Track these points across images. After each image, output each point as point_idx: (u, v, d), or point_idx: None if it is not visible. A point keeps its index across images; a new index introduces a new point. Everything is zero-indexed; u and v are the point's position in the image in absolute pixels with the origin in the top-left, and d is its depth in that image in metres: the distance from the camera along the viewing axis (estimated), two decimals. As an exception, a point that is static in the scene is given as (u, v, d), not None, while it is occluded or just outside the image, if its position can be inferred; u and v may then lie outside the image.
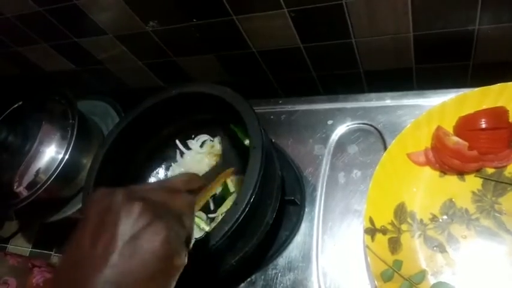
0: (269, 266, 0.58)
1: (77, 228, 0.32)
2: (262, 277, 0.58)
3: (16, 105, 0.79)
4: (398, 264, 0.48)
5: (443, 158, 0.51)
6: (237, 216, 0.46)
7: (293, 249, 0.58)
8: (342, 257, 0.55)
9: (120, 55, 0.74)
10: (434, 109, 0.54)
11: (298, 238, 0.59)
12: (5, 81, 0.91)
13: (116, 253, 0.29)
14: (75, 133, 0.70)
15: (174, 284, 0.33)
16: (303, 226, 0.59)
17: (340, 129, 0.63)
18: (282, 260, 0.58)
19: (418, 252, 0.49)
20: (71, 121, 0.72)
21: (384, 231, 0.50)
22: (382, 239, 0.50)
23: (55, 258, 0.86)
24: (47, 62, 0.83)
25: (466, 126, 0.52)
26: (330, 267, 0.55)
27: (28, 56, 0.82)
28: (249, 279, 0.58)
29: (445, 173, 0.52)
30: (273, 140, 0.65)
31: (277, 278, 0.57)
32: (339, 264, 0.55)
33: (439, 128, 0.52)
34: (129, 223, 0.30)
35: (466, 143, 0.50)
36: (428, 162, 0.53)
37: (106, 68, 0.80)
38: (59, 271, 0.32)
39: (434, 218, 0.50)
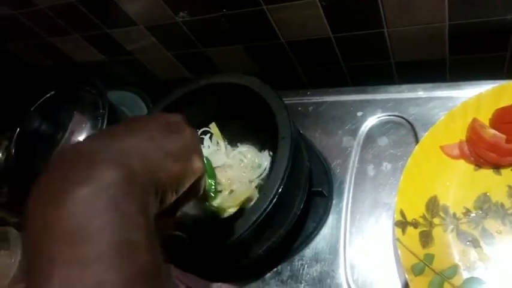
0: (295, 256, 0.58)
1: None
2: (289, 267, 0.58)
3: (48, 95, 0.81)
4: (429, 258, 0.47)
5: (479, 151, 0.49)
6: (265, 206, 0.46)
7: (320, 241, 0.58)
8: (370, 250, 0.54)
9: (149, 46, 0.75)
10: (470, 101, 0.52)
11: (326, 230, 0.58)
12: (38, 71, 0.94)
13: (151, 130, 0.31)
14: (105, 123, 0.72)
15: (187, 185, 0.33)
16: (330, 218, 0.59)
17: (370, 121, 0.62)
18: (308, 251, 0.58)
19: (450, 247, 0.48)
20: (101, 111, 0.73)
21: (415, 224, 0.49)
22: (413, 233, 0.49)
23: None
24: (78, 52, 0.84)
25: (503, 118, 0.50)
26: (358, 260, 0.54)
27: (60, 47, 0.84)
28: (275, 269, 0.58)
29: (480, 167, 0.50)
30: (301, 132, 0.65)
31: (303, 269, 0.57)
32: (367, 258, 0.54)
33: (475, 120, 0.51)
34: (160, 119, 0.33)
35: (504, 136, 0.48)
36: (462, 155, 0.51)
37: (135, 58, 0.81)
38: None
39: (468, 212, 0.49)
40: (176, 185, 0.31)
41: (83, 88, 0.79)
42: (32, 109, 0.80)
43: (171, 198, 0.31)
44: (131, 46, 0.78)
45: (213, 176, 0.60)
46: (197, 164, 0.34)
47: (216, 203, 0.58)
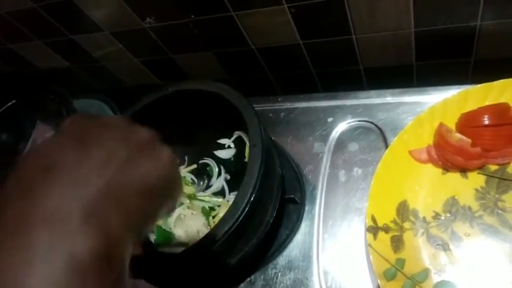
0: (269, 265, 0.57)
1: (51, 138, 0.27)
2: (262, 277, 0.57)
3: (9, 104, 0.78)
4: (401, 262, 0.47)
5: (446, 155, 0.50)
6: (237, 215, 0.45)
7: (293, 249, 0.57)
8: (343, 256, 0.54)
9: (116, 52, 0.73)
10: (436, 106, 0.53)
11: (299, 237, 0.58)
12: (-2, 79, 0.90)
13: (115, 162, 0.26)
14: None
15: (162, 215, 0.30)
16: (303, 225, 0.58)
17: (341, 127, 0.62)
18: (282, 259, 0.57)
19: (421, 251, 0.48)
20: (66, 119, 0.71)
21: (386, 229, 0.50)
22: (384, 238, 0.49)
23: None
24: (41, 59, 0.81)
25: (468, 122, 0.51)
26: (331, 267, 0.54)
27: (22, 54, 0.80)
28: (248, 279, 0.57)
29: (447, 170, 0.51)
30: (272, 138, 0.64)
31: (277, 278, 0.56)
32: (340, 264, 0.54)
33: (441, 125, 0.52)
34: (130, 140, 0.28)
35: (469, 140, 0.50)
36: (430, 160, 0.52)
37: (102, 65, 0.79)
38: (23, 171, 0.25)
39: (437, 216, 0.50)
40: (154, 219, 0.29)
41: (46, 96, 0.76)
42: (-9, 119, 0.77)
43: (147, 231, 0.29)
44: (97, 53, 0.75)
45: None
46: (178, 194, 0.31)
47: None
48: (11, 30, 0.72)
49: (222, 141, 0.64)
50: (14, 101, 0.78)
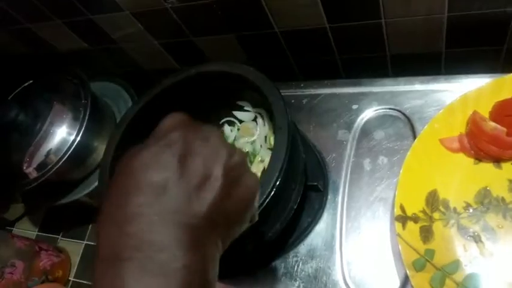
0: (290, 253, 0.56)
1: (145, 144, 0.27)
2: (283, 264, 0.56)
3: (26, 84, 0.77)
4: (430, 253, 0.46)
5: (480, 144, 0.48)
6: (262, 200, 0.44)
7: (315, 237, 0.56)
8: (367, 246, 0.53)
9: (135, 34, 0.71)
10: (469, 94, 0.51)
11: (321, 225, 0.57)
12: (16, 59, 0.89)
13: (218, 186, 0.26)
14: (87, 114, 0.68)
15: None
16: (326, 214, 0.57)
17: (366, 114, 0.60)
18: (303, 248, 0.56)
19: (451, 242, 0.47)
20: (83, 101, 0.70)
21: (415, 219, 0.48)
22: (413, 227, 0.48)
23: (62, 242, 0.84)
24: (59, 40, 0.80)
25: (503, 111, 0.49)
26: (355, 257, 0.53)
27: (40, 34, 0.79)
28: (269, 266, 0.56)
29: (480, 160, 0.50)
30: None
31: (298, 266, 0.55)
32: (364, 254, 0.52)
33: (475, 113, 0.50)
34: (229, 157, 0.28)
35: (505, 129, 0.48)
36: (462, 149, 0.50)
37: (120, 47, 0.77)
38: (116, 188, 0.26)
39: (468, 207, 0.48)
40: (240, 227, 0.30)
41: (64, 77, 0.75)
42: (8, 98, 0.76)
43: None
44: (116, 34, 0.74)
45: None
46: (255, 218, 0.32)
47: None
48: (30, 9, 0.71)
49: (242, 103, 0.62)
50: (31, 82, 0.77)
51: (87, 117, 0.68)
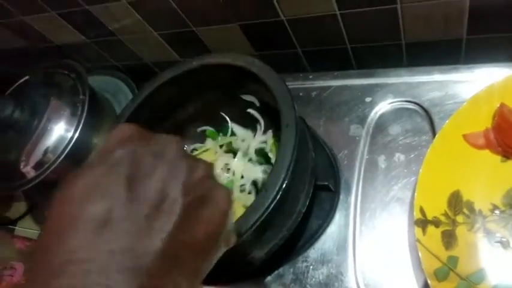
0: (299, 258, 0.52)
1: (87, 165, 0.22)
2: (292, 270, 0.52)
3: (22, 80, 0.74)
4: (453, 261, 0.42)
5: (507, 140, 0.44)
6: (267, 204, 0.40)
7: (326, 241, 0.52)
8: (383, 250, 0.49)
9: (134, 25, 0.68)
10: (496, 84, 0.47)
11: (332, 228, 0.53)
12: (10, 53, 0.86)
13: (176, 211, 0.21)
14: (85, 110, 0.65)
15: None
16: (338, 215, 0.53)
17: (381, 107, 0.56)
18: (313, 252, 0.52)
19: (476, 248, 0.43)
20: (81, 97, 0.67)
21: (436, 223, 0.44)
22: (434, 232, 0.43)
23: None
24: (55, 33, 0.77)
25: (534, 103, 0.45)
26: (369, 262, 0.49)
27: (35, 27, 0.76)
28: (276, 271, 0.52)
29: (508, 158, 0.45)
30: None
31: (308, 272, 0.51)
32: (380, 259, 0.49)
33: (503, 105, 0.45)
34: (190, 172, 0.23)
35: (536, 123, 0.43)
36: (488, 145, 0.46)
37: (119, 39, 0.74)
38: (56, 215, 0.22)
39: (495, 209, 0.44)
40: (209, 267, 0.25)
41: (61, 72, 0.72)
42: (4, 95, 0.73)
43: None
44: (114, 25, 0.70)
45: None
46: (233, 240, 0.27)
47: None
48: (24, 1, 0.68)
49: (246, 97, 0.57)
50: (27, 77, 0.74)
51: (85, 113, 0.66)
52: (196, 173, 0.23)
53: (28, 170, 0.68)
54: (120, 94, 0.79)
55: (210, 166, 0.25)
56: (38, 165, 0.66)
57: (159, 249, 0.20)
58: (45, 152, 0.66)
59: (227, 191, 0.25)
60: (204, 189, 0.24)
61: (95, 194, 0.20)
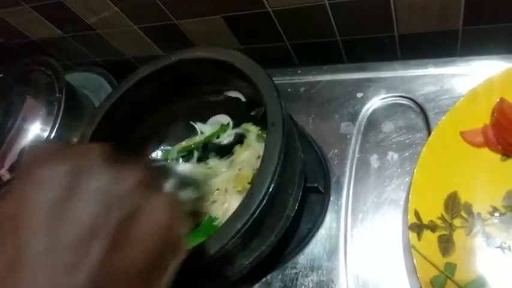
0: (287, 264, 0.50)
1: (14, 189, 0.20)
2: (280, 277, 0.49)
3: (-4, 77, 0.71)
4: (451, 268, 0.39)
5: (508, 137, 0.41)
6: (252, 209, 0.37)
7: (316, 246, 0.49)
8: (376, 255, 0.46)
9: (112, 18, 0.64)
10: (495, 77, 0.44)
11: (323, 232, 0.50)
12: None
13: (103, 239, 0.18)
14: (62, 108, 0.63)
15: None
16: (328, 218, 0.50)
17: (373, 103, 0.54)
18: (303, 258, 0.49)
19: (475, 254, 0.40)
20: (57, 95, 0.64)
21: (432, 227, 0.41)
22: (430, 237, 0.41)
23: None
24: (30, 27, 0.73)
25: (536, 98, 0.42)
26: (362, 268, 0.46)
27: (8, 21, 0.72)
28: (264, 279, 0.50)
29: (508, 156, 0.43)
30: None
31: (297, 279, 0.49)
32: (373, 265, 0.46)
33: (502, 100, 0.43)
34: (115, 183, 0.20)
35: (538, 119, 0.40)
36: (487, 143, 0.43)
37: (98, 33, 0.70)
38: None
39: (495, 212, 0.41)
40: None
41: (37, 69, 0.70)
42: (-23, 94, 0.70)
43: None
44: (92, 19, 0.67)
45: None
46: (183, 252, 0.23)
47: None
48: (-5, -6, 0.64)
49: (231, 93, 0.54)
50: (1, 75, 0.71)
51: (61, 112, 0.63)
52: (123, 183, 0.20)
53: (3, 173, 0.65)
54: (101, 91, 0.76)
55: (143, 172, 0.22)
56: (13, 168, 0.63)
57: (86, 285, 0.17)
58: (21, 153, 0.64)
59: (165, 196, 0.22)
60: (135, 200, 0.20)
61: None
